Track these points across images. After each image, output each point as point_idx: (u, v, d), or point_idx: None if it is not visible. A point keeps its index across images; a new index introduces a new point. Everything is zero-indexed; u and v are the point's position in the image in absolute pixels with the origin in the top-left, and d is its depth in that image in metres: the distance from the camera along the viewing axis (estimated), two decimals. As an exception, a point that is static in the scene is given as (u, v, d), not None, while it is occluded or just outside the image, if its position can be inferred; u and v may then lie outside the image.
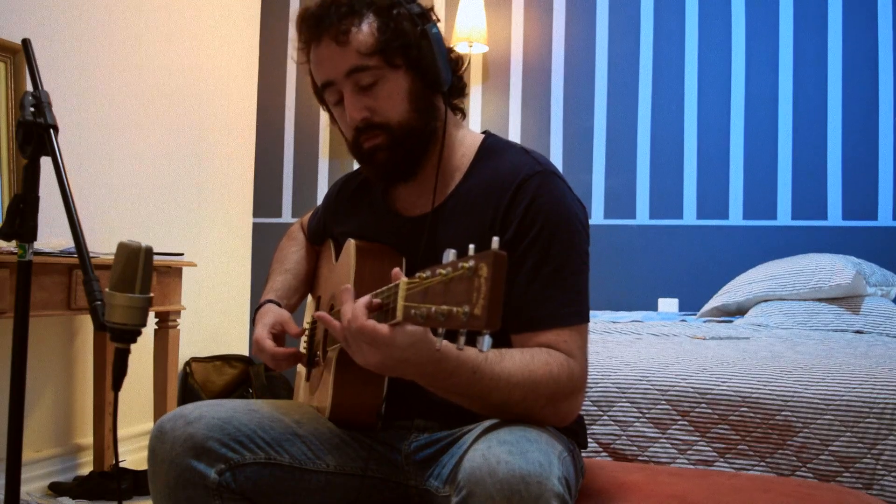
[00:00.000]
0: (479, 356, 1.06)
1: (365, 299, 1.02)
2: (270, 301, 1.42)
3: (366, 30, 1.20)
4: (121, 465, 2.85)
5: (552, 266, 1.17)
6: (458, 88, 1.29)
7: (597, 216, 3.49)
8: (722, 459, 1.72)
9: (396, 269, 0.99)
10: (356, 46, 1.19)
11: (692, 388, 1.77)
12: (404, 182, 1.29)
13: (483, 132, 1.34)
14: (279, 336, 1.34)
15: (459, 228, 1.24)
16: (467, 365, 1.04)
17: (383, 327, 0.97)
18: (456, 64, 1.27)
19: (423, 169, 1.28)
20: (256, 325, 1.35)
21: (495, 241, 0.82)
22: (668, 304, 3.39)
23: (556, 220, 1.19)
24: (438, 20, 1.26)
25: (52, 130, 1.17)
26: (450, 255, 0.86)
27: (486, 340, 0.85)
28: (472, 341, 0.87)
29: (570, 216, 1.20)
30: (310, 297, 1.58)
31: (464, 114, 1.35)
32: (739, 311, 2.94)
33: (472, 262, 0.82)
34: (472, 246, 0.85)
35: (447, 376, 1.04)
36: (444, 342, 0.97)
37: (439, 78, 1.22)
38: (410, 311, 0.89)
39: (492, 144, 1.31)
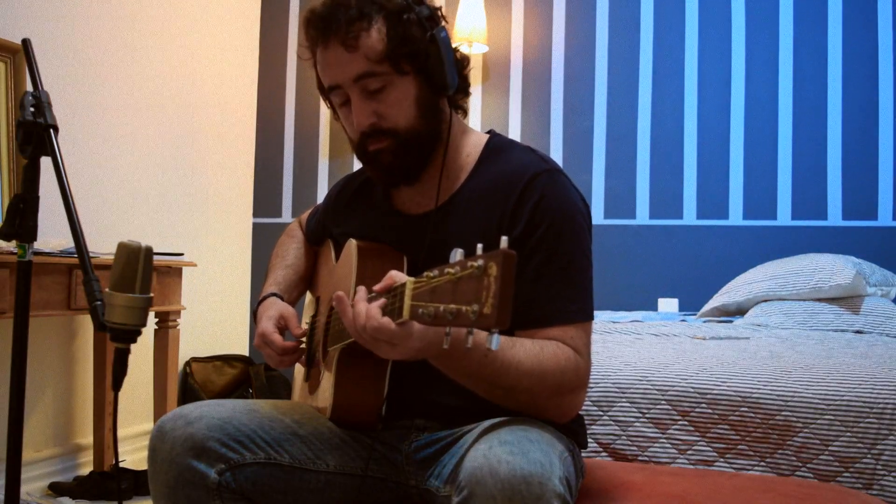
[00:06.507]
0: None
1: (381, 301, 1.02)
2: (274, 294, 1.42)
3: (375, 35, 1.18)
4: (121, 465, 2.85)
5: (559, 263, 1.19)
6: (463, 88, 1.28)
7: (597, 216, 3.48)
8: (722, 459, 1.72)
9: (392, 272, 1.00)
10: (365, 52, 1.18)
11: (692, 388, 1.77)
12: (408, 184, 1.29)
13: (488, 132, 1.34)
14: (283, 331, 1.33)
15: (465, 226, 1.24)
16: (480, 347, 1.05)
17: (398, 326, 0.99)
18: (461, 64, 1.27)
19: (426, 170, 1.27)
20: (261, 319, 1.35)
21: (504, 240, 0.82)
22: (668, 304, 3.39)
23: (562, 219, 1.20)
24: (447, 21, 1.25)
25: (51, 130, 1.17)
26: (457, 254, 0.86)
27: (495, 339, 0.85)
28: None
29: (576, 214, 1.22)
30: (309, 296, 1.58)
31: (465, 111, 1.34)
32: (739, 311, 2.94)
33: (481, 262, 0.82)
34: (480, 245, 0.85)
35: (460, 356, 1.06)
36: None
37: (446, 82, 1.21)
38: (418, 310, 0.89)
39: (497, 143, 1.31)
